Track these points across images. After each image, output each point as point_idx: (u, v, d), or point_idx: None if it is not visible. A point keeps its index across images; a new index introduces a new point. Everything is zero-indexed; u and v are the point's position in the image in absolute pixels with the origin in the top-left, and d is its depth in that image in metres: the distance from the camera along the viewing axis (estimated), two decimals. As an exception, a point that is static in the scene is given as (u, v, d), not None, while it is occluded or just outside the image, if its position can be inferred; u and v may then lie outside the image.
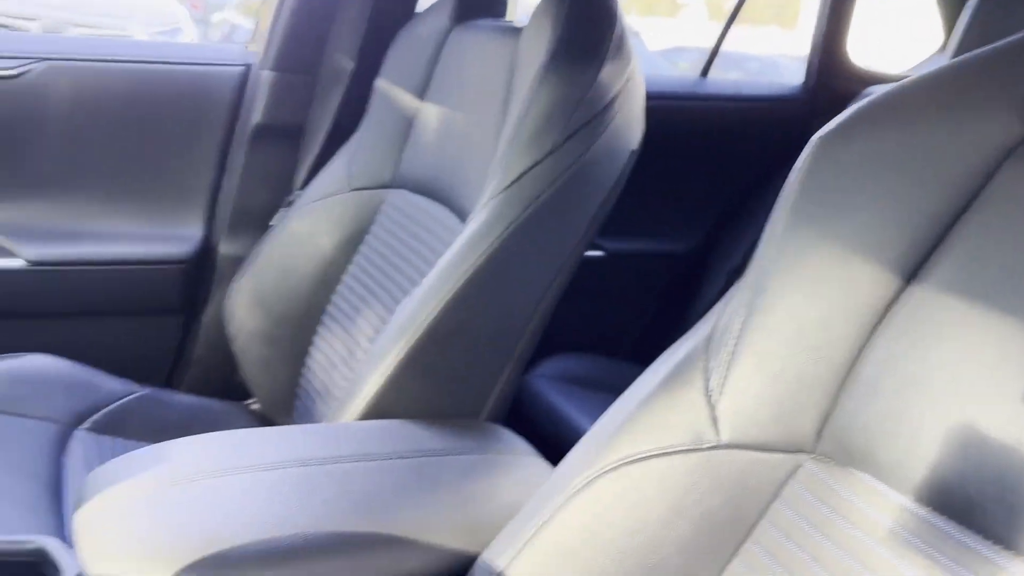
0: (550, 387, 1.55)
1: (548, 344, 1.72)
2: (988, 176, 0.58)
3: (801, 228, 0.66)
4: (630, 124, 1.03)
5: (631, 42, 1.07)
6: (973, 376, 0.55)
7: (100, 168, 1.48)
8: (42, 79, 1.43)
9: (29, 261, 1.41)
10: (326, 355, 1.29)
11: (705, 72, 2.00)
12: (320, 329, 1.32)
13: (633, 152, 1.04)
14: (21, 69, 1.41)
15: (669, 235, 1.91)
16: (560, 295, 1.02)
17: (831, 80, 1.88)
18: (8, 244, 1.41)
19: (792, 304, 0.65)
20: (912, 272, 0.60)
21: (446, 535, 0.72)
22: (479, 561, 0.70)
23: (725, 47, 1.95)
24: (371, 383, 0.94)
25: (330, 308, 1.32)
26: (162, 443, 0.78)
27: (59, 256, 1.43)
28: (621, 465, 0.67)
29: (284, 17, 1.48)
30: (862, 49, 1.85)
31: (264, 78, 1.51)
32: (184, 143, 1.52)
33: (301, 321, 1.33)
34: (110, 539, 0.66)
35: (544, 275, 0.99)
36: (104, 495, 0.70)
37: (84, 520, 0.68)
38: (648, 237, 1.89)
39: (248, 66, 1.55)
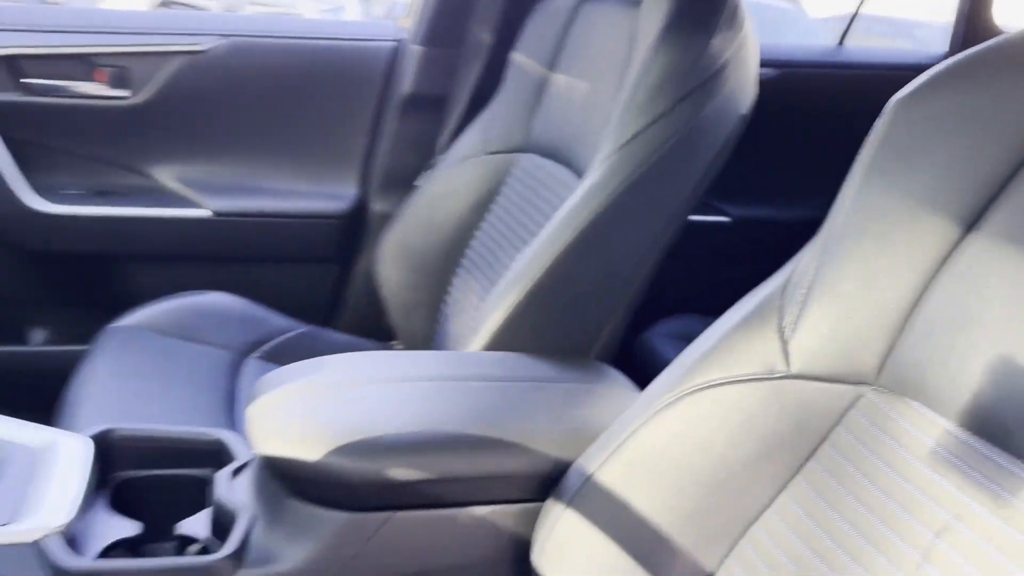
0: (666, 343, 1.63)
1: (672, 305, 1.80)
2: (1046, 133, 0.62)
3: (874, 184, 0.72)
4: (740, 90, 1.09)
5: (745, 11, 1.13)
6: (1017, 315, 0.60)
7: (271, 133, 1.68)
8: (224, 54, 1.63)
9: (214, 212, 1.63)
10: (459, 301, 1.43)
11: (842, 40, 1.98)
12: (454, 279, 1.46)
13: (743, 117, 1.10)
14: (207, 45, 1.62)
15: (801, 203, 1.92)
16: (668, 249, 1.11)
17: (978, 47, 1.83)
18: (197, 197, 1.63)
19: (862, 252, 0.71)
20: (972, 223, 0.65)
21: (547, 444, 0.84)
22: (573, 466, 0.81)
23: (889, 14, 1.92)
24: (492, 321, 1.06)
25: (464, 260, 1.46)
26: (321, 358, 0.94)
27: (237, 208, 1.64)
28: (699, 390, 0.76)
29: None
30: (1010, 14, 1.78)
31: (413, 52, 1.65)
32: (342, 111, 1.69)
33: (439, 271, 1.47)
34: (275, 426, 0.81)
35: (652, 230, 1.07)
36: (272, 393, 0.86)
37: (255, 411, 0.84)
38: (778, 204, 1.91)
39: (399, 41, 1.70)
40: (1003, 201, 0.64)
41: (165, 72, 1.60)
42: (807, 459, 0.71)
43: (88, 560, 0.74)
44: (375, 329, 1.64)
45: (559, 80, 1.39)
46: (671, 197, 1.07)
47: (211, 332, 1.44)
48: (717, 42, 1.05)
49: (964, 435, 0.61)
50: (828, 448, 0.71)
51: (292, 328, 1.51)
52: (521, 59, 1.49)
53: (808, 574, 0.66)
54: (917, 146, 0.69)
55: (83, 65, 1.56)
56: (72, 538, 0.76)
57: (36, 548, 0.72)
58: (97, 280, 1.67)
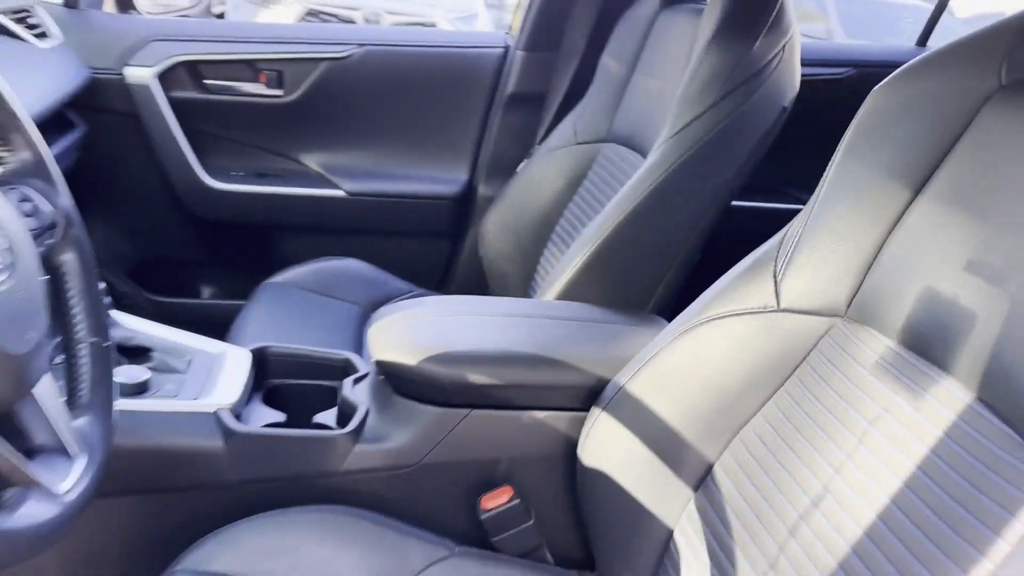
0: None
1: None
2: (973, 115, 0.78)
3: (850, 159, 0.88)
4: (783, 85, 1.26)
5: (792, 17, 1.29)
6: (949, 257, 0.76)
7: (396, 127, 1.94)
8: (361, 60, 1.90)
9: (348, 192, 1.91)
10: (547, 271, 1.64)
11: (923, 41, 2.06)
12: (545, 252, 1.67)
13: (784, 108, 1.26)
14: (347, 52, 1.90)
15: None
16: (717, 220, 1.28)
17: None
18: (335, 179, 1.91)
19: (838, 212, 0.88)
20: (919, 188, 0.81)
21: (592, 364, 1.04)
22: (611, 382, 1.01)
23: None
24: (563, 276, 1.28)
25: (553, 236, 1.66)
26: (424, 298, 1.18)
27: (367, 189, 1.92)
28: (709, 321, 0.94)
29: (534, 8, 1.84)
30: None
31: (517, 57, 1.88)
32: (457, 108, 1.93)
33: (531, 246, 1.69)
34: (387, 339, 1.05)
35: (700, 204, 1.25)
36: (385, 319, 1.11)
37: (374, 330, 1.09)
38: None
39: (507, 47, 1.93)
40: (942, 171, 0.80)
41: (313, 75, 1.88)
42: (789, 376, 0.89)
43: (248, 427, 1.00)
44: (478, 295, 1.87)
45: (637, 79, 1.58)
46: (717, 176, 1.24)
47: (344, 290, 1.70)
48: (761, 45, 1.22)
49: (900, 350, 0.78)
50: (805, 367, 0.88)
51: (409, 291, 1.76)
52: (608, 61, 1.69)
53: (779, 457, 0.84)
54: (882, 128, 0.86)
55: (248, 69, 1.87)
56: (238, 414, 1.02)
57: (215, 417, 1.00)
58: (255, 246, 1.98)
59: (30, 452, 0.63)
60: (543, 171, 1.70)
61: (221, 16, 5.02)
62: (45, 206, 0.73)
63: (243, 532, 0.93)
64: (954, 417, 0.70)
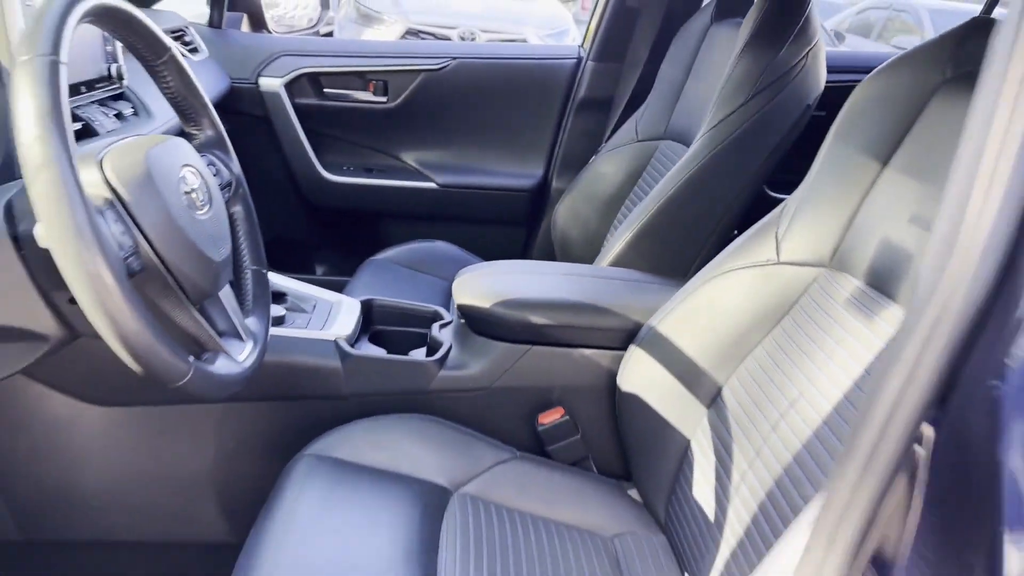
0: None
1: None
2: (925, 103, 0.97)
3: (838, 140, 1.08)
4: (807, 86, 1.45)
5: (817, 27, 1.48)
6: (901, 213, 0.95)
7: (482, 128, 2.20)
8: (453, 71, 2.17)
9: (439, 184, 2.18)
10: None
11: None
12: (608, 236, 1.89)
13: (808, 106, 1.45)
14: (441, 65, 2.17)
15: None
16: (750, 201, 1.48)
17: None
18: (428, 173, 2.19)
19: (828, 182, 1.08)
20: (886, 161, 1.01)
21: (631, 311, 1.26)
22: (645, 325, 1.23)
23: None
24: (615, 248, 1.50)
25: (615, 222, 1.88)
26: (498, 261, 1.42)
27: (456, 182, 2.18)
28: (724, 273, 1.15)
29: (603, 25, 2.07)
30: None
31: (588, 67, 2.11)
32: (535, 112, 2.18)
33: (597, 231, 1.91)
34: (468, 288, 1.30)
35: (733, 186, 1.45)
36: (468, 274, 1.36)
37: (458, 282, 1.34)
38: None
39: (579, 58, 2.16)
40: (901, 148, 0.99)
41: (412, 84, 2.16)
42: (785, 314, 1.09)
43: (359, 351, 1.27)
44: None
45: (691, 84, 1.78)
46: (747, 164, 1.44)
47: (433, 267, 1.96)
48: (786, 53, 1.42)
49: (865, 288, 0.97)
50: (797, 307, 1.08)
51: (490, 270, 2.00)
52: (666, 69, 1.90)
53: (770, 376, 1.05)
54: (860, 116, 1.05)
55: (359, 79, 2.16)
56: (351, 343, 1.29)
57: (334, 343, 1.26)
58: (360, 229, 2.27)
59: (218, 333, 0.90)
60: (608, 166, 1.92)
61: (329, 35, 5.41)
62: (224, 170, 1.01)
63: (354, 431, 1.19)
64: (894, 332, 0.90)
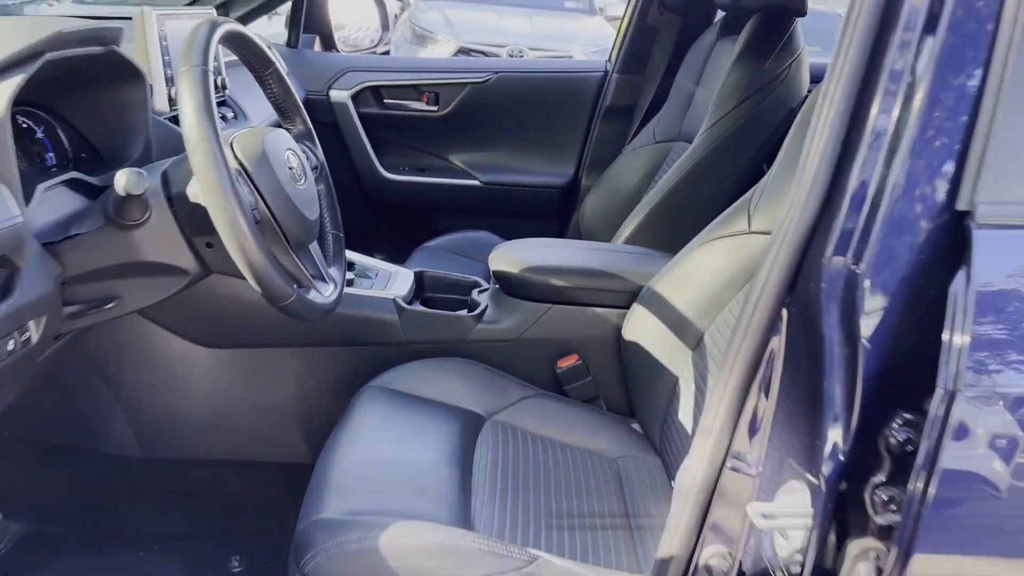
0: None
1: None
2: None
3: (797, 132, 1.32)
4: (791, 92, 1.68)
5: (801, 40, 1.71)
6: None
7: (520, 132, 2.47)
8: (495, 84, 2.45)
9: (482, 182, 2.46)
10: (629, 238, 2.11)
11: None
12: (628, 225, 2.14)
13: (793, 109, 1.69)
14: (485, 78, 2.45)
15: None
16: (743, 190, 1.71)
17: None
18: (473, 172, 2.47)
19: (787, 166, 1.32)
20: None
21: (635, 277, 1.51)
22: (645, 286, 1.48)
23: None
24: (627, 229, 1.75)
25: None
26: (527, 239, 1.69)
27: (496, 180, 2.45)
28: (707, 242, 1.40)
29: (626, 42, 2.33)
30: None
31: (613, 78, 2.37)
32: (566, 118, 2.44)
33: (619, 222, 2.16)
34: (501, 257, 1.57)
35: (728, 177, 1.69)
36: (502, 247, 1.63)
37: (494, 252, 1.60)
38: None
39: (606, 72, 2.42)
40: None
41: (460, 95, 2.45)
42: (752, 276, 1.33)
43: (413, 307, 1.54)
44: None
45: (700, 92, 2.03)
46: (739, 158, 1.69)
47: (476, 253, 2.23)
48: (771, 63, 1.66)
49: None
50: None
51: (526, 256, 2.27)
52: (681, 80, 2.15)
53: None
54: (812, 111, 1.29)
55: (414, 91, 2.46)
56: (407, 303, 1.57)
57: (393, 300, 1.54)
58: (413, 221, 2.56)
59: (310, 275, 1.18)
60: (629, 165, 2.18)
61: (386, 53, 5.74)
62: (312, 157, 1.30)
63: (408, 369, 1.46)
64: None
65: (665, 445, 1.39)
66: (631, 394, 1.51)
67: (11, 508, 1.56)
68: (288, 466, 1.58)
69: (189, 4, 2.09)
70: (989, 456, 0.64)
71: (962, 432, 0.63)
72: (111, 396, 1.52)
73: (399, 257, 2.40)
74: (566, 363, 1.52)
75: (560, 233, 2.49)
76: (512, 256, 1.57)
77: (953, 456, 0.63)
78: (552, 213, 2.48)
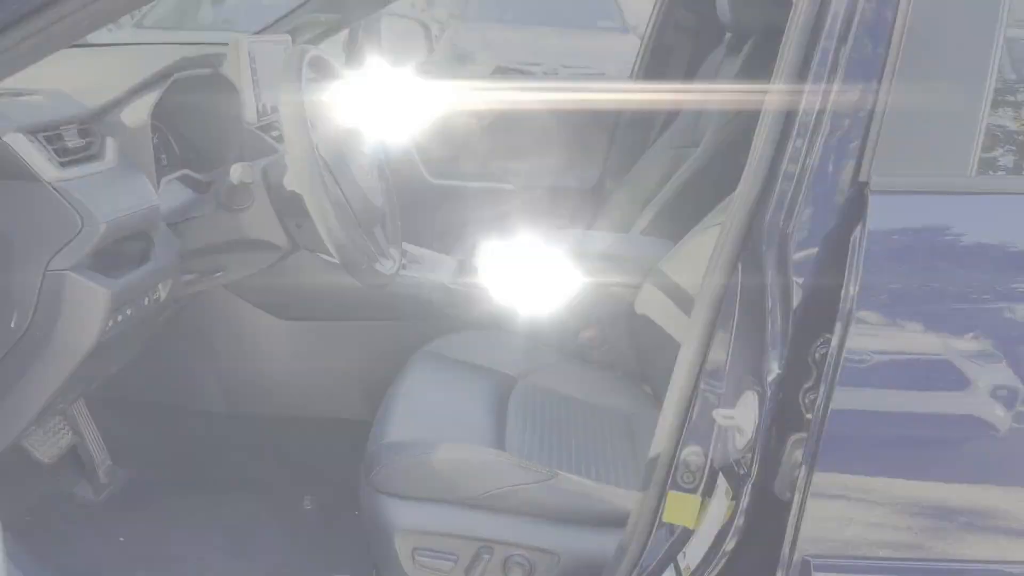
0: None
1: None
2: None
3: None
4: (785, 102, 1.90)
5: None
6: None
7: (549, 140, 2.71)
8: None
9: (515, 185, 2.70)
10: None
11: None
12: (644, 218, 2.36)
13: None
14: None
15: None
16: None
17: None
18: (509, 178, 2.72)
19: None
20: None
21: (648, 260, 1.74)
22: (655, 267, 1.71)
23: None
24: (644, 222, 1.98)
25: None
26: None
27: (529, 183, 2.70)
28: (705, 228, 1.62)
29: (646, 57, 2.56)
30: None
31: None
32: (593, 126, 2.67)
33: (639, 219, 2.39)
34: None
35: (729, 178, 1.91)
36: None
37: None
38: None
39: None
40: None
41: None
42: (744, 254, 1.55)
43: (457, 287, 1.79)
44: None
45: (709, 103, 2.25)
46: (740, 159, 1.90)
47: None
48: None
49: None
50: (752, 248, 1.54)
51: (554, 251, 2.50)
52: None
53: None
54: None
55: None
56: (451, 284, 1.81)
57: (440, 283, 1.79)
58: (453, 218, 2.81)
59: (376, 251, 1.43)
60: (649, 169, 2.40)
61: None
62: (376, 157, 1.55)
63: (453, 338, 1.71)
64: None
65: (671, 402, 1.61)
66: (642, 359, 1.73)
67: (119, 457, 1.84)
68: (350, 422, 1.84)
69: (259, 32, 2.37)
70: (878, 366, 0.86)
71: (856, 349, 0.85)
72: (204, 362, 1.80)
73: (441, 249, 2.67)
74: (587, 333, 1.75)
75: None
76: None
77: (850, 368, 0.85)
78: (577, 215, 2.70)
